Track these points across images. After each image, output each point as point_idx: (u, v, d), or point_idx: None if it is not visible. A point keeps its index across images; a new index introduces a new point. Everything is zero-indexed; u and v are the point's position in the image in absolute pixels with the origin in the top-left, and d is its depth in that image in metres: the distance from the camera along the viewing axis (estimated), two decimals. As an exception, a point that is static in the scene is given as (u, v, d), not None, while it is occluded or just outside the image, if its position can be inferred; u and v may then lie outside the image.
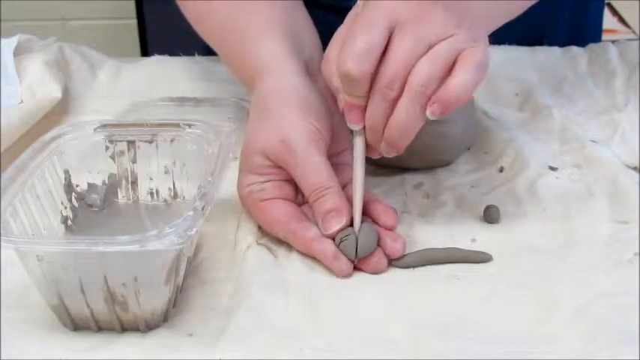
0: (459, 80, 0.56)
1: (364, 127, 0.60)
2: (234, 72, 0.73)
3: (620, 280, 0.58)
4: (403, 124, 0.57)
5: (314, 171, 0.62)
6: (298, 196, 0.64)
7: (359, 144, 0.61)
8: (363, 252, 0.59)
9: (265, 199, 0.63)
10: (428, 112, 0.57)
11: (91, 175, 0.64)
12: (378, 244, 0.60)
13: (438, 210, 0.67)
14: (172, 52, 0.96)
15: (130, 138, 0.64)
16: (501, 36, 0.94)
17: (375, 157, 0.62)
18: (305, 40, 0.70)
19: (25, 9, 2.05)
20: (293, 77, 0.66)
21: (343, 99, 0.59)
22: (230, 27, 0.72)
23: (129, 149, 0.64)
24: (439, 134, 0.70)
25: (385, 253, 0.60)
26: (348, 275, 0.59)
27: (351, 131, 0.61)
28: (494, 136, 0.77)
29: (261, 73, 0.67)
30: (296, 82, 0.65)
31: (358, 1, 0.62)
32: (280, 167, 0.63)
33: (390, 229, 0.61)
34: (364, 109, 0.59)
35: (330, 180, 0.61)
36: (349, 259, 0.59)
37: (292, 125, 0.63)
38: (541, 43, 0.95)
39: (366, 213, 0.62)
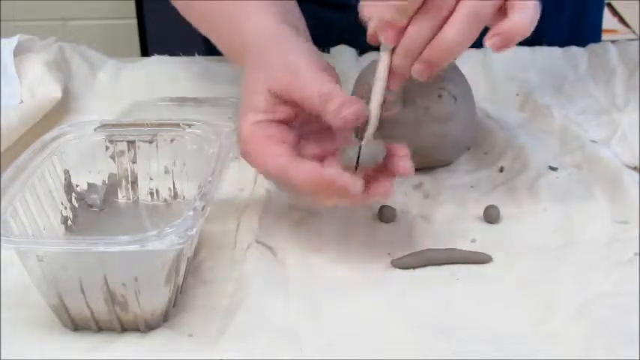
0: (521, 17, 0.56)
1: (393, 49, 0.59)
2: (225, 50, 0.72)
3: (620, 280, 0.58)
4: (451, 42, 0.57)
5: (320, 80, 0.60)
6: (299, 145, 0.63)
7: (385, 62, 0.60)
8: (365, 162, 0.57)
9: (270, 136, 0.61)
10: (488, 44, 0.56)
11: (91, 175, 0.64)
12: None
13: (438, 210, 0.67)
14: (172, 52, 0.96)
15: (130, 138, 0.64)
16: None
17: (396, 85, 0.61)
18: (295, 14, 0.70)
19: (25, 9, 2.05)
20: (290, 34, 0.65)
21: (378, 20, 0.59)
22: (219, 8, 0.71)
23: (129, 149, 0.64)
24: (439, 134, 0.70)
25: (394, 173, 0.58)
26: (358, 190, 0.56)
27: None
28: (494, 136, 0.77)
29: (255, 40, 0.66)
30: (294, 34, 0.65)
31: None
32: (286, 104, 0.61)
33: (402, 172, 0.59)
34: (402, 29, 0.58)
35: (338, 88, 0.59)
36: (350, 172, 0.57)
37: (297, 55, 0.61)
38: (541, 43, 0.95)
39: None
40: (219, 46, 0.73)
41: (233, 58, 0.71)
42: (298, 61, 0.60)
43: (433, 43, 0.57)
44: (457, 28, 0.56)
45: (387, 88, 0.60)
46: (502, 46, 0.56)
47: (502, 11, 0.57)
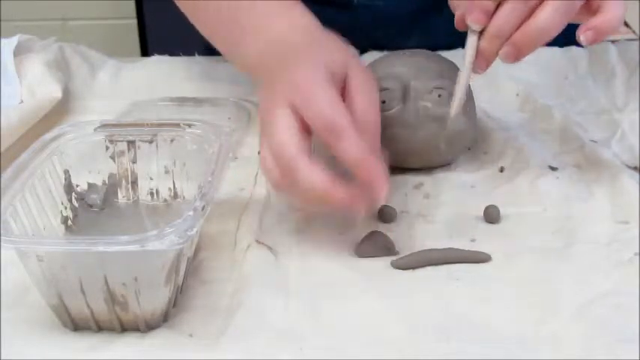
0: (613, 14, 0.59)
1: (481, 32, 0.61)
2: (227, 43, 0.72)
3: (620, 280, 0.58)
4: (542, 28, 0.59)
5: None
6: None
7: (472, 44, 0.62)
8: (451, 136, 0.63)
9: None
10: (582, 37, 0.59)
11: (91, 175, 0.64)
12: None
13: (438, 210, 0.67)
14: (172, 52, 0.96)
15: (130, 138, 0.64)
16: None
17: (484, 67, 0.62)
18: None
19: (25, 9, 2.05)
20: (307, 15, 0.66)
21: (467, 2, 0.60)
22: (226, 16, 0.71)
23: (129, 149, 0.64)
24: (439, 134, 0.70)
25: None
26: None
27: None
28: (494, 136, 0.77)
29: (265, 20, 0.66)
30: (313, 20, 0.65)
31: None
32: None
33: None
34: (490, 12, 0.60)
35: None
36: None
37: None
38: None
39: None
40: (223, 39, 0.73)
41: (235, 51, 0.70)
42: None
43: (524, 27, 0.59)
44: (549, 16, 0.58)
45: (475, 71, 0.62)
46: (594, 40, 0.59)
47: (587, 7, 0.60)
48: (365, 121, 0.60)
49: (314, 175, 0.57)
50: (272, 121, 0.59)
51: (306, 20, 0.66)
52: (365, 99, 0.61)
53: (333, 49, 0.63)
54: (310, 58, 0.62)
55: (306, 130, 0.59)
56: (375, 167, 0.57)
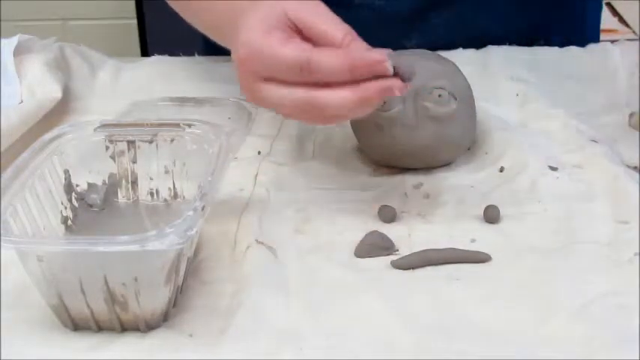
0: None
1: None
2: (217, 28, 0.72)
3: (620, 280, 0.58)
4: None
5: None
6: None
7: None
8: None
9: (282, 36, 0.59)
10: None
11: (91, 175, 0.64)
12: None
13: (438, 210, 0.67)
14: (172, 52, 0.96)
15: (130, 138, 0.64)
16: (501, 36, 0.95)
17: None
18: None
19: (25, 9, 2.05)
20: None
21: None
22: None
23: (129, 149, 0.64)
24: (439, 134, 0.70)
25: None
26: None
27: None
28: (494, 136, 0.77)
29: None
30: None
31: None
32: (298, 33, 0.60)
33: None
34: None
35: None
36: None
37: None
38: (539, 43, 0.95)
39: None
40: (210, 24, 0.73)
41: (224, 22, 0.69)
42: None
43: None
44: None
45: None
46: None
47: None
48: (333, 41, 0.59)
49: (315, 54, 0.57)
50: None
51: None
52: (321, 21, 0.60)
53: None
54: (248, 17, 0.61)
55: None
56: (364, 56, 0.56)
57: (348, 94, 0.57)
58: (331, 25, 0.60)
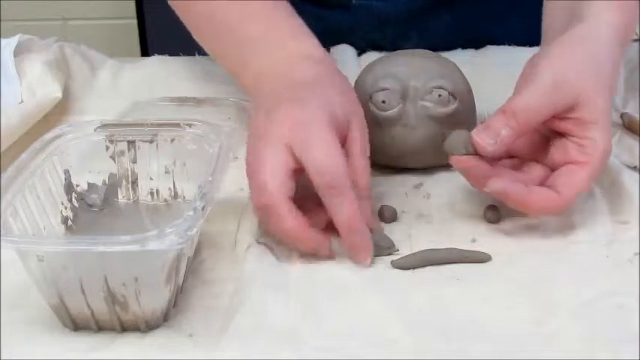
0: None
1: None
2: (232, 65, 0.72)
3: (620, 280, 0.58)
4: None
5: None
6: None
7: None
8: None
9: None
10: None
11: (91, 175, 0.64)
12: None
13: (438, 210, 0.67)
14: (172, 52, 0.96)
15: (130, 138, 0.64)
16: (501, 36, 0.95)
17: None
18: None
19: (25, 9, 2.05)
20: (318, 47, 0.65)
21: None
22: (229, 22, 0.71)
23: (129, 149, 0.64)
24: (439, 134, 0.70)
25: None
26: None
27: None
28: (494, 136, 0.77)
29: (276, 43, 0.65)
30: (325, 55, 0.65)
31: None
32: None
33: None
34: None
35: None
36: None
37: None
38: (539, 44, 0.95)
39: None
40: (226, 60, 0.73)
41: (241, 73, 0.70)
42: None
43: None
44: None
45: None
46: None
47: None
48: (361, 186, 0.61)
49: (287, 222, 0.58)
50: (260, 155, 0.60)
51: (318, 53, 0.65)
52: (363, 161, 0.61)
53: (341, 91, 0.62)
54: (316, 97, 0.61)
55: (296, 168, 0.59)
56: (362, 237, 0.59)
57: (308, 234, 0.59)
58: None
